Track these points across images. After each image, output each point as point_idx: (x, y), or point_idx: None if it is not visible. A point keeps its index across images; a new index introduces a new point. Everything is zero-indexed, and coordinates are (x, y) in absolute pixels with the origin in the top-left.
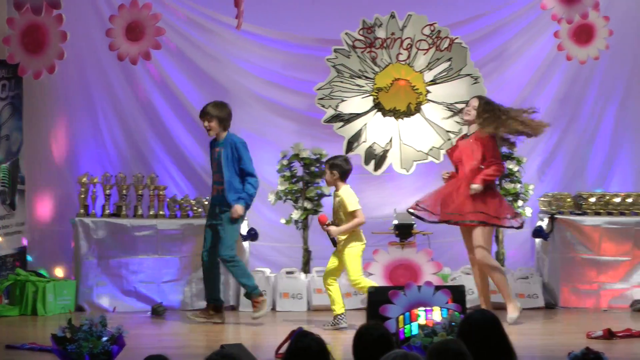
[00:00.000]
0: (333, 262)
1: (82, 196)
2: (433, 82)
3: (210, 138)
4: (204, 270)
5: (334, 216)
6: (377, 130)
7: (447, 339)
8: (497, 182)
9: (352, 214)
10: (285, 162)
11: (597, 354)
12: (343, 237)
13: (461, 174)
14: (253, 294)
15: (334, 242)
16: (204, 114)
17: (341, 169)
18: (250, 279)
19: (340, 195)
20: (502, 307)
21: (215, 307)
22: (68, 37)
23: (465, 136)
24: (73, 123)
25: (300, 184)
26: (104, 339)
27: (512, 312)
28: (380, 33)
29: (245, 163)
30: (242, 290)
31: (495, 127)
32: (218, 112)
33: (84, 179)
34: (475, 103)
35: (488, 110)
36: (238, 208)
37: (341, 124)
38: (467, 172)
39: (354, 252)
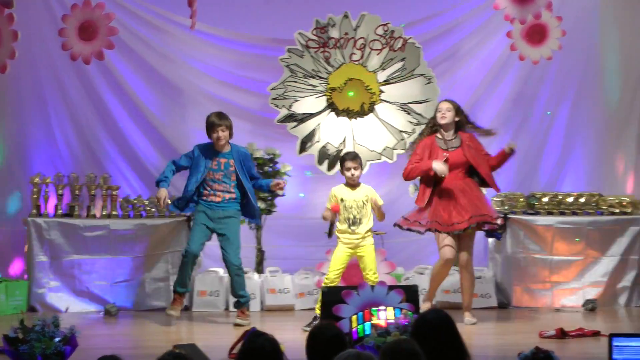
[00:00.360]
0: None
1: (35, 196)
2: (386, 82)
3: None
4: (188, 261)
5: (357, 214)
6: (330, 130)
7: (400, 338)
8: None
9: (380, 208)
10: None
11: (546, 353)
12: (368, 233)
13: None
14: (246, 304)
15: (331, 232)
16: (223, 122)
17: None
18: (246, 291)
19: (371, 189)
20: (457, 307)
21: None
22: (19, 37)
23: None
24: (25, 123)
25: None
26: (57, 339)
27: (472, 317)
28: (334, 33)
29: (253, 171)
30: (232, 299)
31: (472, 127)
32: (230, 122)
33: (37, 179)
34: (449, 105)
35: (461, 112)
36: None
37: (295, 123)
38: (484, 174)
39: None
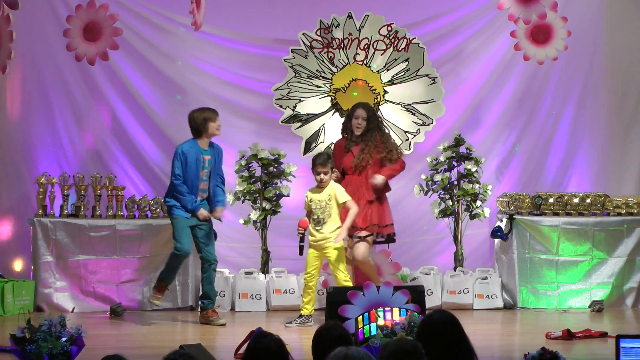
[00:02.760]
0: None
1: (40, 197)
2: (391, 82)
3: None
4: (181, 261)
5: (320, 214)
6: (335, 130)
7: (401, 338)
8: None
9: (344, 205)
10: (243, 162)
11: (553, 354)
12: (333, 233)
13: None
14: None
15: (302, 248)
16: (216, 114)
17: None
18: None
19: (333, 188)
20: (462, 308)
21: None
22: (14, 37)
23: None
24: (30, 123)
25: (259, 185)
26: (63, 339)
27: None
28: (338, 33)
29: (220, 168)
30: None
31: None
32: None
33: (42, 180)
34: (363, 113)
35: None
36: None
37: (299, 124)
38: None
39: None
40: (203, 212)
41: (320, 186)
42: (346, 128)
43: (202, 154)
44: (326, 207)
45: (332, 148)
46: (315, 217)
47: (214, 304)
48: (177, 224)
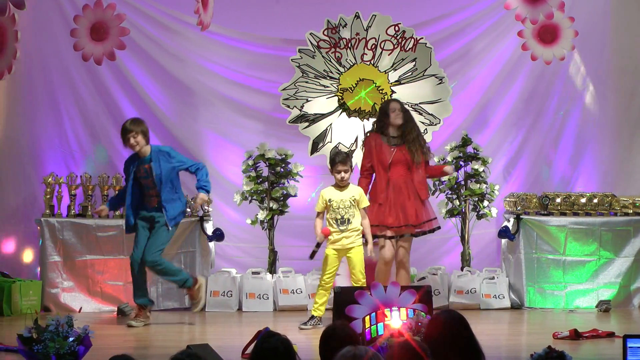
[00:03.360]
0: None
1: (48, 197)
2: (398, 82)
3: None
4: (134, 269)
5: (344, 214)
6: (342, 130)
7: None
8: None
9: (362, 209)
10: (250, 162)
11: (560, 353)
12: (358, 234)
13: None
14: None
15: (315, 254)
16: (128, 132)
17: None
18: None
19: (359, 191)
20: (470, 308)
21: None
22: (19, 37)
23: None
24: (37, 124)
25: (266, 185)
26: (70, 339)
27: None
28: (345, 33)
29: (183, 160)
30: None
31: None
32: (142, 127)
33: (50, 179)
34: (398, 105)
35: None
36: (204, 196)
37: (306, 124)
38: (416, 179)
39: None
40: (104, 209)
41: (340, 185)
42: (383, 124)
43: (140, 164)
44: (350, 208)
45: (363, 145)
46: (339, 216)
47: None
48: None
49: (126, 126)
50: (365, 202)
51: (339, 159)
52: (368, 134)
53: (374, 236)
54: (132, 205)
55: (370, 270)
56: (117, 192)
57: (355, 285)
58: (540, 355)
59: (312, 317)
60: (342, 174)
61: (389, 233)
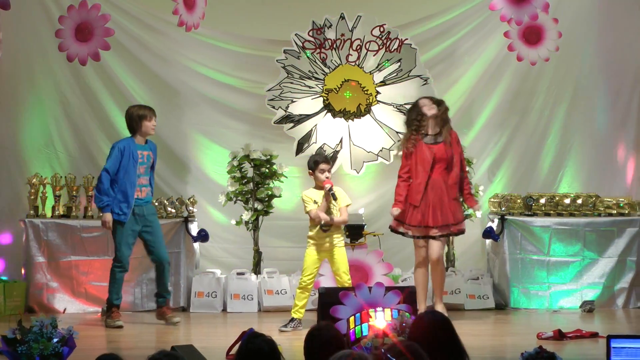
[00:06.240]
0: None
1: (32, 197)
2: (383, 83)
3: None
4: (123, 272)
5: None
6: (327, 131)
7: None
8: None
9: (341, 208)
10: (235, 163)
11: (550, 354)
12: (340, 235)
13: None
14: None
15: (334, 196)
16: (154, 113)
17: None
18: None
19: (338, 189)
20: (454, 308)
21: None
22: (0, 37)
23: (419, 135)
24: (22, 124)
25: (251, 185)
26: (55, 340)
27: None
28: (330, 34)
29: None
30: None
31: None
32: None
33: (34, 180)
34: (427, 99)
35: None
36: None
37: (291, 125)
38: (452, 178)
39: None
40: (107, 216)
41: (321, 186)
42: (418, 124)
43: (138, 149)
44: (333, 209)
45: (401, 148)
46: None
47: (166, 301)
48: (120, 227)
49: (151, 108)
50: (346, 200)
51: (321, 159)
52: (403, 138)
53: (414, 237)
54: (121, 195)
55: (355, 271)
56: (98, 189)
57: (339, 286)
58: (531, 354)
59: (292, 319)
60: (327, 173)
61: (433, 232)
